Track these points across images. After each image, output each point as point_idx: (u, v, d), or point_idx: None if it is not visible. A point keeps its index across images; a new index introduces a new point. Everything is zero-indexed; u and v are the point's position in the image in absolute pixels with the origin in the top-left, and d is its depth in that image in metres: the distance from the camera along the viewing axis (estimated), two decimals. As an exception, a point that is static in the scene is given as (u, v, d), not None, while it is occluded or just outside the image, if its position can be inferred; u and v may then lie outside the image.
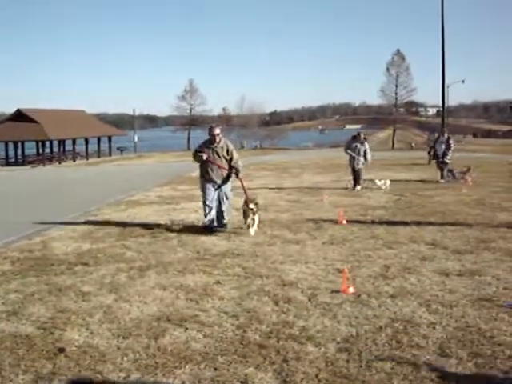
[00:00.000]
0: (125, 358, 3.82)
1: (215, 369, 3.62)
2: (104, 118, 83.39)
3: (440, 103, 34.98)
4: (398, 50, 65.33)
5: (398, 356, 3.72)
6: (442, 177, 16.17)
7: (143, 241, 8.04)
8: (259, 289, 5.39)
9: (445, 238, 7.65)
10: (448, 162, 16.11)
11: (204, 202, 8.52)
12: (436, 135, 17.73)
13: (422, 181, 16.36)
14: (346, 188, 14.53)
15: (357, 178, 14.67)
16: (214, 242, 7.75)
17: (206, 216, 8.51)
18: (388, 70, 65.32)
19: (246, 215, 8.27)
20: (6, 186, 24.05)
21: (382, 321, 4.41)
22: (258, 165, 26.97)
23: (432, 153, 16.77)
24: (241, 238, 7.94)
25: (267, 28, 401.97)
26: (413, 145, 58.23)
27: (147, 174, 25.69)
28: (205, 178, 8.52)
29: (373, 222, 9.05)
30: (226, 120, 78.92)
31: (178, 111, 77.44)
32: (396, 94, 65.58)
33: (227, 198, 8.59)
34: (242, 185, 8.66)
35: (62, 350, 3.98)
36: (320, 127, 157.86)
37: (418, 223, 8.82)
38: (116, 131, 60.30)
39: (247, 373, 3.54)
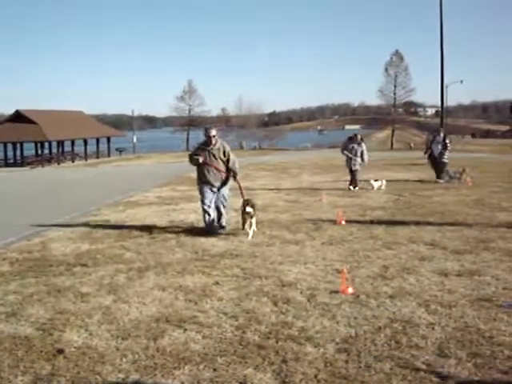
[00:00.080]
0: (124, 359, 3.82)
1: (214, 369, 3.62)
2: (103, 119, 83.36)
3: (439, 103, 35.04)
4: (397, 51, 65.44)
5: (397, 356, 3.72)
6: (437, 177, 16.16)
7: (142, 241, 8.03)
8: (258, 289, 5.39)
9: (444, 238, 7.66)
10: (446, 161, 16.10)
11: (202, 205, 8.50)
12: (432, 135, 17.67)
13: (420, 181, 16.36)
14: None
15: (354, 179, 14.67)
16: (212, 243, 7.74)
17: (205, 219, 8.50)
18: (387, 70, 65.41)
19: (243, 219, 8.26)
20: (5, 186, 24.04)
21: (380, 321, 4.41)
22: (257, 165, 26.98)
23: (428, 153, 16.67)
24: (239, 239, 7.94)
25: (267, 28, 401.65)
26: (411, 145, 58.27)
27: (146, 174, 25.68)
28: (202, 180, 8.49)
29: (372, 223, 9.05)
30: (224, 121, 78.96)
31: (176, 112, 77.39)
32: (395, 94, 65.64)
33: (225, 200, 8.58)
34: (240, 187, 8.64)
35: (60, 351, 3.97)
36: (319, 128, 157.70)
37: (417, 223, 8.82)
38: (115, 132, 60.23)
39: (246, 373, 3.54)
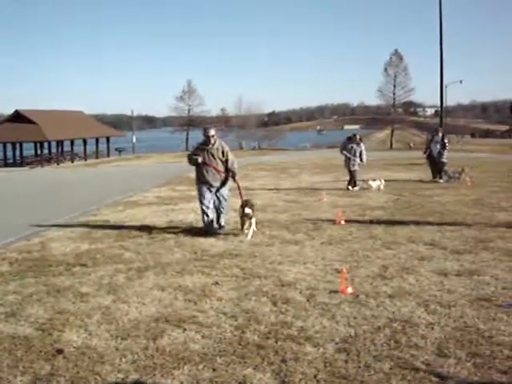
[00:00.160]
0: (123, 359, 3.82)
1: (213, 369, 3.61)
2: (102, 119, 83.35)
3: (438, 103, 35.02)
4: (396, 50, 65.42)
5: (397, 356, 3.72)
6: (434, 177, 16.16)
7: (141, 241, 8.03)
8: (257, 289, 5.39)
9: (443, 237, 7.66)
10: (445, 161, 16.09)
11: (201, 206, 8.49)
12: (431, 135, 17.64)
13: (420, 181, 16.36)
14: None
15: (352, 179, 14.67)
16: (212, 243, 7.74)
17: (204, 219, 8.50)
18: (386, 70, 65.37)
19: (242, 221, 8.23)
20: (4, 186, 24.03)
21: (380, 321, 4.41)
22: (257, 165, 26.98)
23: (427, 153, 16.65)
24: (239, 239, 7.94)
25: (267, 28, 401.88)
26: (411, 145, 58.32)
27: (145, 174, 25.68)
28: (200, 180, 8.47)
29: (371, 222, 9.05)
30: (224, 121, 78.93)
31: (176, 112, 77.32)
32: (394, 94, 65.62)
33: (225, 200, 8.57)
34: (239, 188, 8.63)
35: (60, 352, 3.97)
36: (318, 128, 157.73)
37: (417, 223, 8.82)
38: (114, 132, 60.22)
39: (246, 373, 3.54)
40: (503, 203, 10.91)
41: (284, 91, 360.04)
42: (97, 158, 52.27)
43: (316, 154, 39.63)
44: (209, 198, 8.42)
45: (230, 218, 9.15)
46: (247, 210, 8.06)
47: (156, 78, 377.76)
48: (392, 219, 9.36)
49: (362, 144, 15.12)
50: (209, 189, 8.41)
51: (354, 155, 14.74)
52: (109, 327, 4.46)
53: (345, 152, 14.94)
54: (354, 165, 14.67)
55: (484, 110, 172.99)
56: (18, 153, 48.01)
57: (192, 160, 8.42)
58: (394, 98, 66.03)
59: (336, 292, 5.19)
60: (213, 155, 8.35)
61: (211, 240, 7.94)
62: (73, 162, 48.06)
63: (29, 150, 49.85)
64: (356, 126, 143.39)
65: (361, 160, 14.84)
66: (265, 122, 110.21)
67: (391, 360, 3.66)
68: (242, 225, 8.25)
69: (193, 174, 9.16)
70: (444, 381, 3.36)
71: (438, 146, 16.12)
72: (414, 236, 7.81)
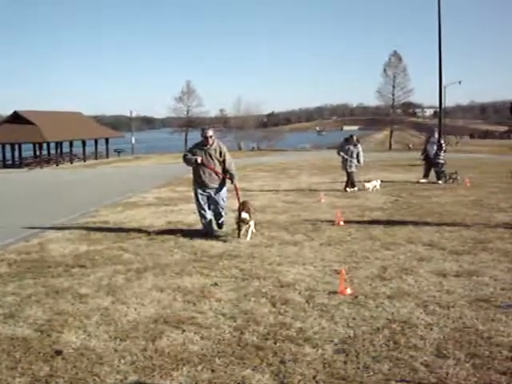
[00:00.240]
0: (122, 361, 3.82)
1: (212, 371, 3.61)
2: (101, 120, 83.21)
3: (437, 104, 35.00)
4: (395, 51, 65.36)
5: (396, 357, 3.72)
6: (424, 176, 16.16)
7: (140, 243, 8.03)
8: (256, 290, 5.39)
9: (442, 238, 7.66)
10: (442, 162, 16.08)
11: (198, 208, 8.45)
12: (427, 136, 17.64)
13: (418, 182, 16.36)
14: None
15: (350, 180, 14.67)
16: (211, 244, 7.74)
17: (202, 221, 8.48)
18: (385, 71, 65.31)
19: (238, 227, 7.99)
20: (3, 188, 23.99)
21: (379, 322, 4.41)
22: (256, 166, 26.98)
23: (424, 154, 16.66)
24: (238, 240, 7.93)
25: (267, 28, 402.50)
26: (410, 146, 58.31)
27: (145, 175, 25.67)
28: (197, 181, 8.40)
29: (370, 223, 9.05)
30: (223, 121, 78.92)
31: (175, 113, 77.09)
32: (393, 95, 65.58)
33: (223, 201, 8.54)
34: (237, 192, 8.56)
35: (59, 353, 3.97)
36: (317, 128, 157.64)
37: (416, 224, 8.83)
38: (113, 133, 60.16)
39: (244, 374, 3.54)
40: (502, 204, 10.92)
41: (283, 91, 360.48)
42: (96, 159, 52.20)
43: (315, 155, 39.58)
44: (205, 199, 8.39)
45: (228, 219, 9.13)
46: (244, 215, 7.85)
47: (155, 79, 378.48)
48: (391, 220, 9.37)
49: (359, 145, 15.12)
50: (205, 190, 8.37)
51: (351, 156, 14.75)
52: (108, 328, 4.46)
53: (342, 153, 14.94)
54: (351, 166, 14.66)
55: (483, 110, 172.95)
56: (16, 154, 47.92)
57: (189, 160, 8.36)
58: (393, 99, 66.02)
59: (335, 293, 5.19)
60: (210, 155, 8.31)
61: (210, 241, 7.94)
62: (72, 163, 48.01)
63: (27, 151, 49.79)
64: (355, 127, 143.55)
65: (358, 161, 14.85)
66: (264, 122, 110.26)
67: (390, 361, 3.66)
68: (239, 231, 7.99)
69: (191, 175, 9.15)
70: (443, 382, 3.36)
71: (435, 147, 16.12)
72: (412, 237, 7.81)
